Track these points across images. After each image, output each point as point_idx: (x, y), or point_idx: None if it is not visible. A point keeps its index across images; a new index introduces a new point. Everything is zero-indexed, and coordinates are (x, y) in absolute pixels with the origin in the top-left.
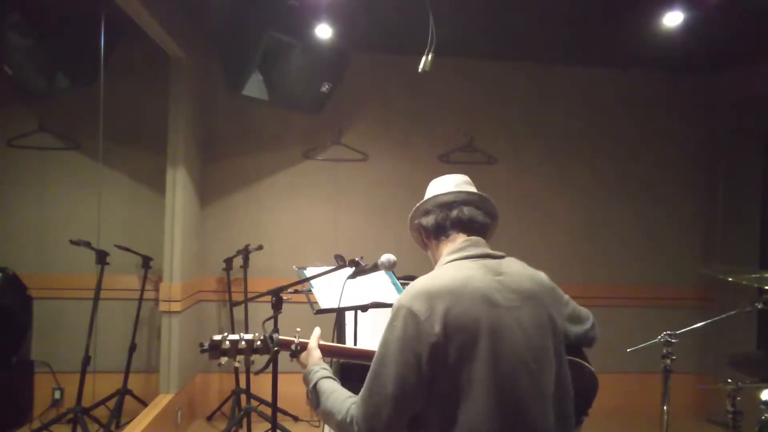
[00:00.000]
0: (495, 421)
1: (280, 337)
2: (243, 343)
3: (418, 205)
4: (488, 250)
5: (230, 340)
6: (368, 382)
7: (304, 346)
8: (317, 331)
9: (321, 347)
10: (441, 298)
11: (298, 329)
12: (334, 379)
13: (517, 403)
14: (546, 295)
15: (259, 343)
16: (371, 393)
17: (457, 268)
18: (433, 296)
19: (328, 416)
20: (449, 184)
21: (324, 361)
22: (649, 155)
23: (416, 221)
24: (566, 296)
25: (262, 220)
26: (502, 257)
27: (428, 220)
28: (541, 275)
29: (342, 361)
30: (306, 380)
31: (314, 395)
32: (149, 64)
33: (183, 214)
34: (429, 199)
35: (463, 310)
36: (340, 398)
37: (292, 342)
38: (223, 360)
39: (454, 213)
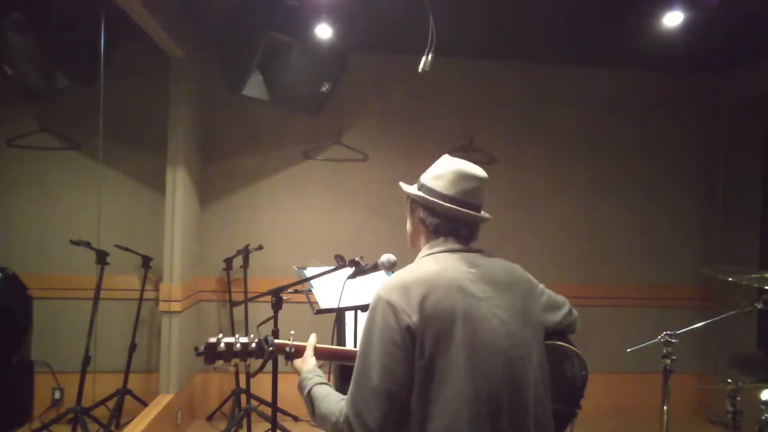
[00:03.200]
0: (474, 407)
1: (276, 340)
2: (238, 345)
3: (428, 196)
4: (465, 245)
5: (225, 343)
6: (354, 377)
7: (298, 349)
8: (313, 338)
9: (318, 351)
10: (416, 288)
11: (292, 332)
12: (329, 385)
13: (497, 389)
14: (521, 285)
15: (254, 345)
16: (359, 388)
17: (433, 260)
18: (409, 287)
19: (323, 421)
20: (470, 190)
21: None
22: (649, 155)
23: (417, 208)
24: (541, 285)
25: (262, 220)
26: (478, 251)
27: (431, 221)
28: (516, 267)
29: None
30: (300, 387)
31: (309, 402)
32: (149, 64)
33: (183, 214)
34: (445, 206)
35: (438, 299)
36: (334, 401)
37: (287, 345)
38: (219, 363)
39: (460, 229)
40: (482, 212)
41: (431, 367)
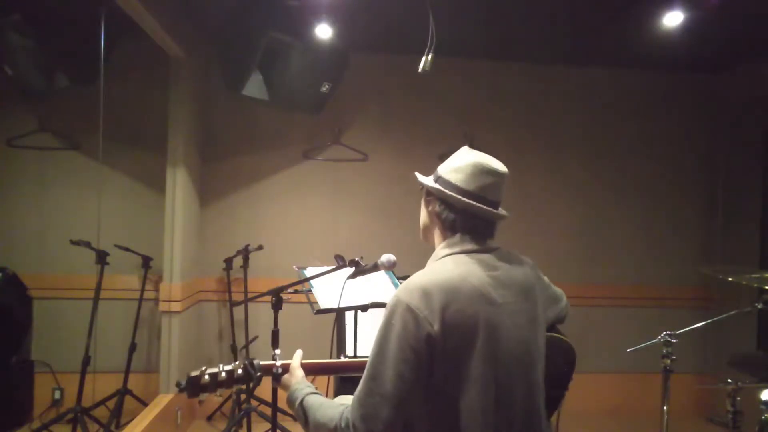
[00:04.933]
0: (491, 417)
1: (261, 362)
2: (223, 374)
3: (445, 189)
4: (482, 245)
5: (209, 374)
6: (365, 381)
7: (286, 368)
8: (299, 352)
9: (305, 366)
10: (439, 294)
11: (278, 351)
12: (321, 395)
13: (512, 396)
14: (534, 286)
15: (240, 371)
16: (369, 393)
17: (453, 263)
18: (431, 292)
19: (319, 429)
20: (489, 185)
21: (308, 379)
22: (649, 155)
23: (434, 201)
24: (546, 279)
25: (262, 220)
26: (495, 250)
27: (447, 215)
28: (528, 264)
29: None
30: (290, 400)
31: (301, 412)
32: (149, 64)
33: (183, 214)
34: (463, 201)
35: (461, 308)
36: (332, 407)
37: (274, 365)
38: (203, 396)
39: (477, 226)
40: (500, 209)
41: (450, 376)
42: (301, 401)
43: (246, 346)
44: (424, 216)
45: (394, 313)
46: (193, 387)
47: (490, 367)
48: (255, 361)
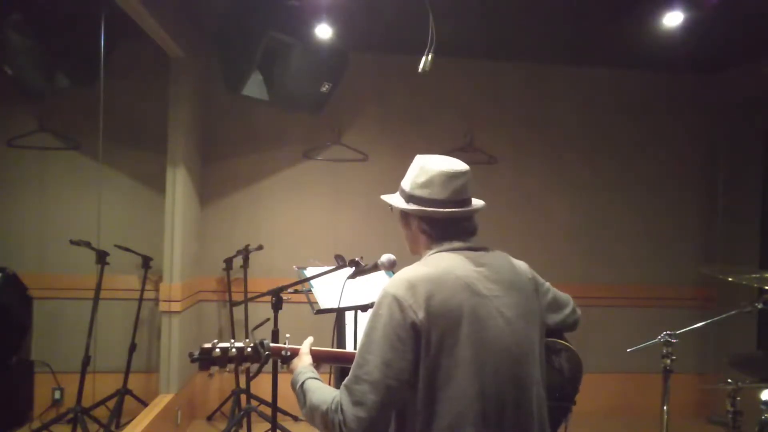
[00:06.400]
0: (479, 406)
1: (271, 344)
2: (234, 350)
3: (424, 207)
4: (470, 243)
5: (221, 348)
6: (354, 369)
7: (294, 353)
8: (310, 339)
9: (314, 353)
10: (423, 285)
11: (288, 335)
12: (322, 381)
13: (502, 388)
14: (527, 285)
15: (249, 350)
16: (357, 379)
17: (439, 259)
18: (416, 284)
19: (313, 411)
20: (460, 188)
21: (315, 366)
22: (649, 155)
23: (414, 219)
24: (547, 284)
25: (262, 220)
26: (483, 249)
27: (433, 229)
28: (522, 265)
29: None
30: (293, 382)
31: (300, 394)
32: (149, 64)
33: (183, 214)
34: (445, 212)
35: (446, 297)
36: (326, 392)
37: (283, 348)
38: (214, 369)
39: (461, 226)
40: (474, 201)
41: (437, 365)
42: (302, 384)
43: (256, 328)
44: (407, 234)
45: (381, 305)
46: (205, 359)
47: (477, 356)
48: (265, 342)
